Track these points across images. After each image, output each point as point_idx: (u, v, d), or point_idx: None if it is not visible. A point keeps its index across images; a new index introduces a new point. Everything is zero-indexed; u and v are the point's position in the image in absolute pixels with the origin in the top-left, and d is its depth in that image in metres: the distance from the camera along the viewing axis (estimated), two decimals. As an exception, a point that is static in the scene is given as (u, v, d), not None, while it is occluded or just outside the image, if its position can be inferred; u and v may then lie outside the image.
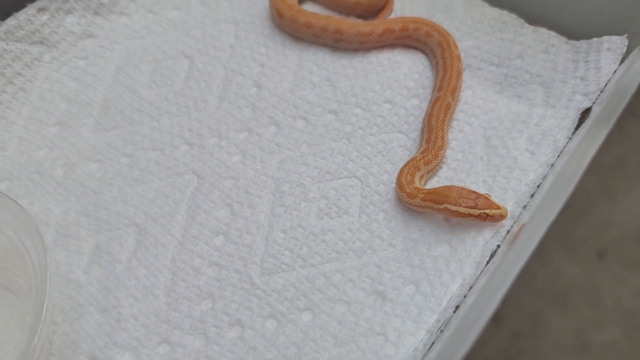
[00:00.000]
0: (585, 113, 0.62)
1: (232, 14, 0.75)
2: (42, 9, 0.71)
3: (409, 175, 0.59)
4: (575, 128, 0.62)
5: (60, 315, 0.57)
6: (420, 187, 0.58)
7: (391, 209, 0.59)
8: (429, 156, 0.60)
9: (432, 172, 0.61)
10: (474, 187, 0.59)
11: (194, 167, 0.64)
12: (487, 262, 0.54)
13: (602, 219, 0.78)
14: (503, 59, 0.68)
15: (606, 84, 0.62)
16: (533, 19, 0.70)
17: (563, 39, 0.68)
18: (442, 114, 0.63)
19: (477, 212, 0.54)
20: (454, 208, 0.54)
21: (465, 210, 0.54)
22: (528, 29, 0.70)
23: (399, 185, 0.58)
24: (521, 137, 0.61)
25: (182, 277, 0.57)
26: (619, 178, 0.81)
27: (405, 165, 0.60)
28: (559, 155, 0.59)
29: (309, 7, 0.76)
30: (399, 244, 0.57)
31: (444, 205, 0.55)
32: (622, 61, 0.64)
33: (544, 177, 0.58)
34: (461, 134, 0.64)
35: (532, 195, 0.57)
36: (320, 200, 0.60)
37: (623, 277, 0.74)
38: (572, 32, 0.68)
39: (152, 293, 0.57)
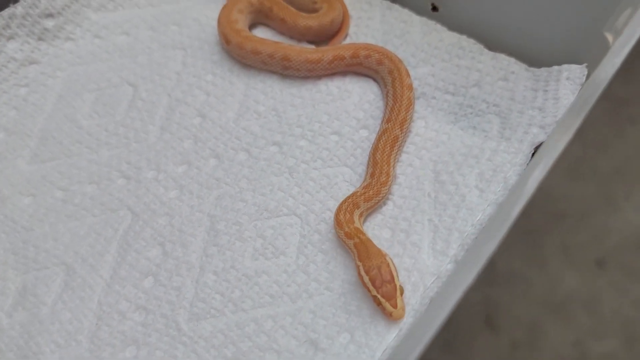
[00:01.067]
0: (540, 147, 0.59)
1: (181, 39, 0.72)
2: (-19, 36, 0.69)
3: (347, 214, 0.55)
4: (528, 164, 0.58)
5: (-21, 362, 0.54)
6: (360, 227, 0.55)
7: (331, 250, 0.56)
8: (370, 192, 0.57)
9: (372, 209, 0.57)
10: (419, 227, 0.56)
11: (128, 203, 0.61)
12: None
13: (601, 227, 0.77)
14: (459, 87, 0.65)
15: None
16: (493, 45, 0.67)
17: (523, 65, 0.65)
18: (389, 147, 0.59)
19: (374, 292, 0.51)
20: (362, 273, 0.52)
21: (368, 283, 0.51)
22: (487, 55, 0.67)
23: (337, 222, 0.55)
24: (471, 173, 0.58)
25: (107, 322, 0.55)
26: (619, 185, 0.80)
27: (344, 201, 0.57)
28: (508, 194, 0.56)
29: (261, 32, 0.73)
30: (336, 287, 0.54)
31: (359, 263, 0.52)
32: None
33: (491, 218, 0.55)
34: (410, 168, 0.60)
35: (476, 238, 0.54)
36: (256, 239, 0.57)
37: (623, 286, 0.73)
38: (533, 59, 0.65)
39: (75, 339, 0.54)
